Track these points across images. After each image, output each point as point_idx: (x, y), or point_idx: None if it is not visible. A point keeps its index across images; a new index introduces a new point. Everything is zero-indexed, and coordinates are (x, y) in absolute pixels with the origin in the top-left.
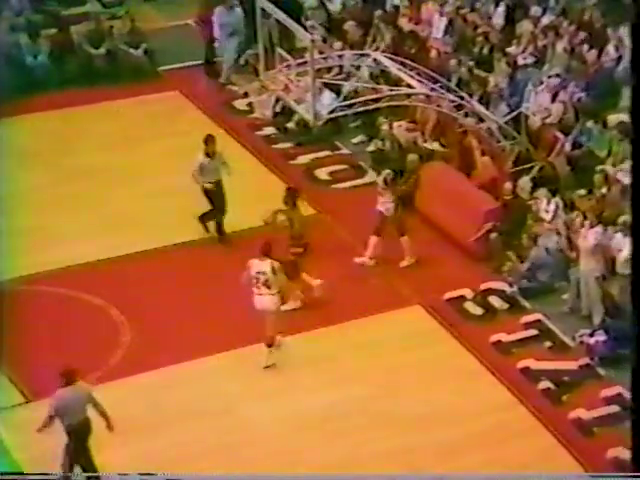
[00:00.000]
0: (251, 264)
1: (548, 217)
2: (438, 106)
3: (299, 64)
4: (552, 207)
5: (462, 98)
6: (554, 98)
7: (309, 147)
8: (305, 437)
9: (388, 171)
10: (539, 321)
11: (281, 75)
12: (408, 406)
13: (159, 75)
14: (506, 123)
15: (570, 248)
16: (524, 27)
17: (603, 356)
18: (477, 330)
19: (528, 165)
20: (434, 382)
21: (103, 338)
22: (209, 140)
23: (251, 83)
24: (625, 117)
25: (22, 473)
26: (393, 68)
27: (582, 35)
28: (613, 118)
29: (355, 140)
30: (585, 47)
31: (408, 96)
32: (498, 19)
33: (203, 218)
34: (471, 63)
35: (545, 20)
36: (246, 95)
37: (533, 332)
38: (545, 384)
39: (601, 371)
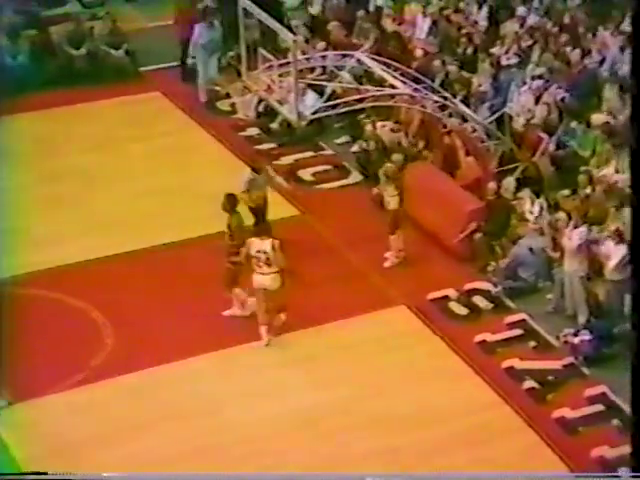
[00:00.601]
0: (250, 243)
1: (532, 217)
2: (422, 106)
3: (281, 64)
4: (536, 207)
5: (446, 99)
6: (538, 99)
7: (292, 148)
8: (290, 438)
9: (389, 164)
10: (523, 321)
11: (264, 76)
12: (393, 406)
13: (140, 76)
14: (490, 123)
15: (554, 248)
16: (508, 28)
17: (587, 355)
18: (462, 330)
19: (512, 165)
20: (419, 382)
21: (86, 340)
22: (255, 156)
23: (233, 84)
24: (608, 117)
25: (22, 473)
26: (377, 69)
27: (566, 36)
28: (596, 118)
29: (339, 140)
30: (568, 48)
31: (392, 96)
32: (482, 20)
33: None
34: (455, 64)
35: (529, 21)
36: (228, 96)
37: (518, 332)
38: (529, 383)
39: (585, 370)
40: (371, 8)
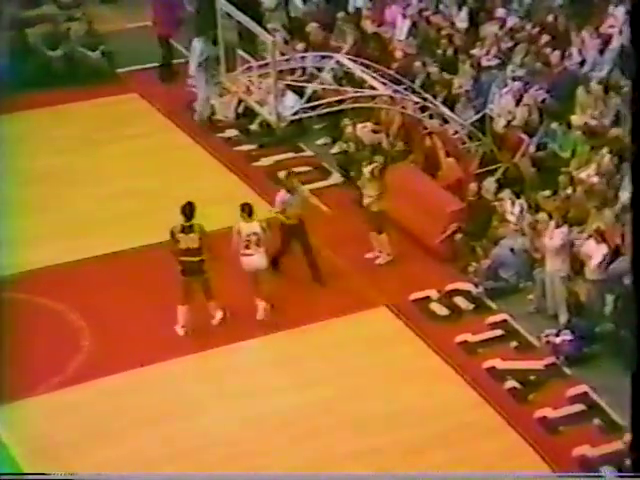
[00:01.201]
0: (240, 228)
1: (513, 218)
2: (402, 108)
3: (260, 66)
4: (517, 208)
5: (426, 100)
6: (518, 101)
7: (272, 149)
8: (272, 439)
9: (377, 163)
10: (505, 321)
11: (242, 77)
12: (374, 407)
13: (118, 77)
14: (471, 125)
15: (535, 249)
16: (488, 29)
17: (569, 355)
18: (443, 330)
19: (493, 166)
20: (400, 383)
21: (63, 343)
22: (289, 175)
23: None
24: (588, 118)
25: (22, 473)
26: (357, 70)
27: (546, 37)
28: (577, 119)
29: (319, 142)
30: (549, 49)
31: (372, 98)
32: (462, 21)
33: (275, 259)
34: (435, 65)
35: (509, 23)
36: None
37: (499, 332)
38: (511, 383)
39: (567, 370)
40: (350, 9)
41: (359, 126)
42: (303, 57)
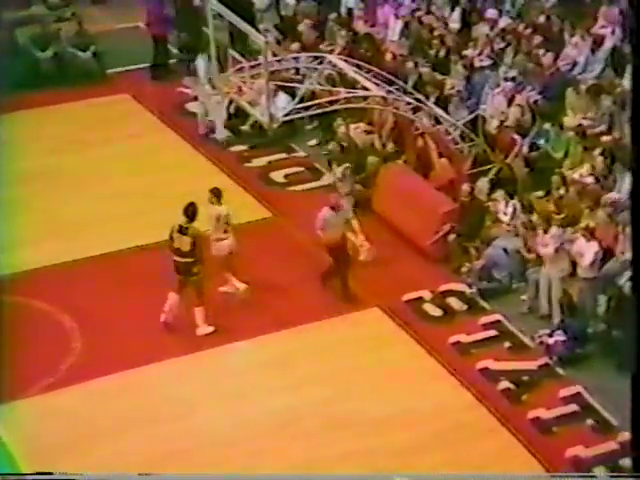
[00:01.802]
0: (219, 213)
1: (506, 218)
2: (395, 108)
3: (252, 66)
4: (510, 208)
5: (419, 100)
6: (511, 101)
7: (264, 150)
8: (264, 440)
9: (347, 165)
10: (498, 322)
11: (234, 77)
12: (367, 408)
13: (108, 78)
14: (464, 125)
15: (528, 249)
16: (480, 30)
17: (562, 356)
18: (436, 331)
19: (486, 167)
20: (393, 384)
21: (54, 345)
22: (335, 194)
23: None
24: (581, 119)
25: (22, 473)
26: (349, 70)
27: (538, 38)
28: (569, 120)
29: (311, 142)
30: (541, 50)
31: (365, 98)
32: (454, 22)
33: (325, 277)
34: (428, 66)
35: (502, 23)
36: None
37: (492, 333)
38: (504, 384)
39: (560, 371)
40: (343, 10)
41: (352, 127)
42: (295, 58)
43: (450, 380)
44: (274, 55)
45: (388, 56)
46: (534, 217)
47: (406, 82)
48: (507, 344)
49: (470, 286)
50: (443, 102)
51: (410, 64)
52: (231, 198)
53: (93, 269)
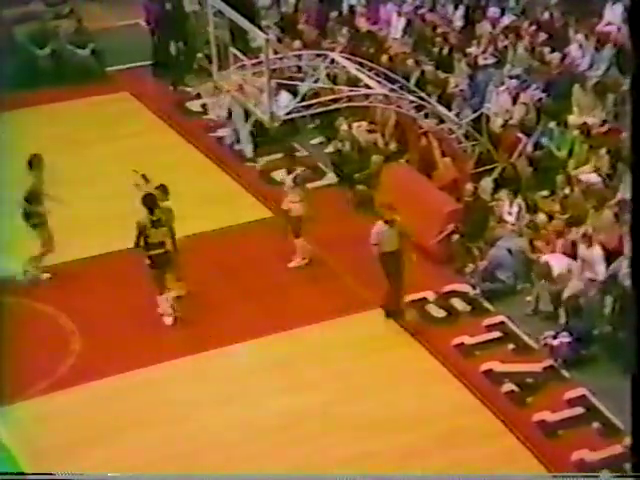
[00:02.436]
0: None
1: (510, 218)
2: (398, 107)
3: (253, 64)
4: (514, 208)
5: (422, 99)
6: (515, 99)
7: (265, 149)
8: (264, 443)
9: (299, 171)
10: (502, 323)
11: (235, 75)
12: (370, 410)
13: (107, 76)
14: (467, 124)
15: (532, 250)
16: (484, 28)
17: (567, 358)
18: (439, 333)
19: (490, 166)
20: (396, 385)
21: (53, 346)
22: (389, 207)
23: (204, 84)
24: (586, 118)
25: (22, 473)
26: (351, 68)
27: (543, 36)
28: (574, 118)
29: (313, 141)
30: (546, 48)
31: (367, 97)
32: (457, 20)
33: (387, 304)
34: (430, 64)
35: (505, 20)
36: (199, 96)
37: (496, 334)
38: (509, 386)
39: (565, 373)
40: (344, 7)
41: (354, 125)
42: (297, 55)
43: (454, 382)
44: (275, 53)
45: (391, 53)
46: (539, 217)
47: (408, 80)
48: (511, 346)
49: (474, 287)
50: (446, 100)
51: (410, 61)
52: (232, 197)
53: (92, 270)
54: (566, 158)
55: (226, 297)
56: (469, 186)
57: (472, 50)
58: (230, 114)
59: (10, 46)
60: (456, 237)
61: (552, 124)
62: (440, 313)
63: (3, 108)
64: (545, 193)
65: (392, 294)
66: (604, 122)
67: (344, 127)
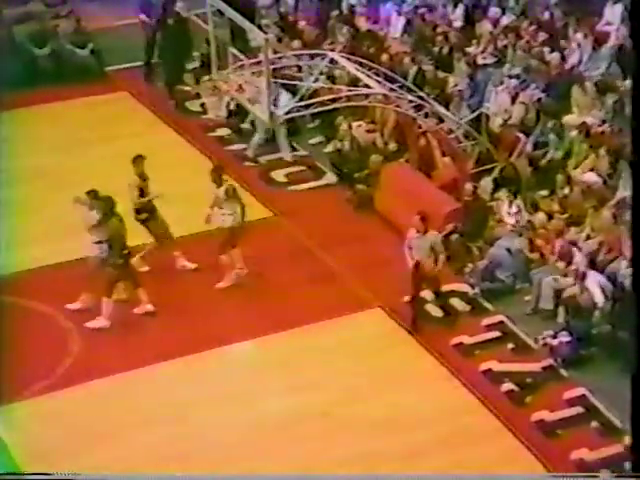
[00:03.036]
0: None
1: (510, 218)
2: (397, 106)
3: (253, 64)
4: (514, 208)
5: (422, 98)
6: (514, 99)
7: (265, 148)
8: (264, 443)
9: (230, 184)
10: (501, 323)
11: (234, 75)
12: (369, 410)
13: (107, 75)
14: (467, 123)
15: (531, 249)
16: (483, 27)
17: (566, 357)
18: (438, 332)
19: (489, 166)
20: (395, 385)
21: (51, 346)
22: (422, 215)
23: (203, 84)
24: (584, 118)
25: (22, 473)
26: (351, 68)
27: (542, 36)
28: (573, 118)
29: (313, 141)
30: (545, 48)
31: (366, 96)
32: (457, 19)
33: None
34: (430, 63)
35: (505, 20)
36: (198, 96)
37: (495, 334)
38: (508, 386)
39: (564, 372)
40: (344, 7)
41: (354, 125)
42: (297, 55)
43: (453, 382)
44: (275, 53)
45: (391, 52)
46: (538, 216)
47: (407, 79)
48: (510, 345)
49: (473, 287)
50: (446, 100)
51: (407, 59)
52: None
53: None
54: (565, 158)
55: (226, 297)
56: (469, 186)
57: (471, 50)
58: (230, 114)
59: (10, 46)
60: (455, 236)
61: (551, 123)
62: (439, 313)
63: (2, 108)
64: (545, 193)
65: (417, 302)
66: (603, 122)
67: (343, 127)
